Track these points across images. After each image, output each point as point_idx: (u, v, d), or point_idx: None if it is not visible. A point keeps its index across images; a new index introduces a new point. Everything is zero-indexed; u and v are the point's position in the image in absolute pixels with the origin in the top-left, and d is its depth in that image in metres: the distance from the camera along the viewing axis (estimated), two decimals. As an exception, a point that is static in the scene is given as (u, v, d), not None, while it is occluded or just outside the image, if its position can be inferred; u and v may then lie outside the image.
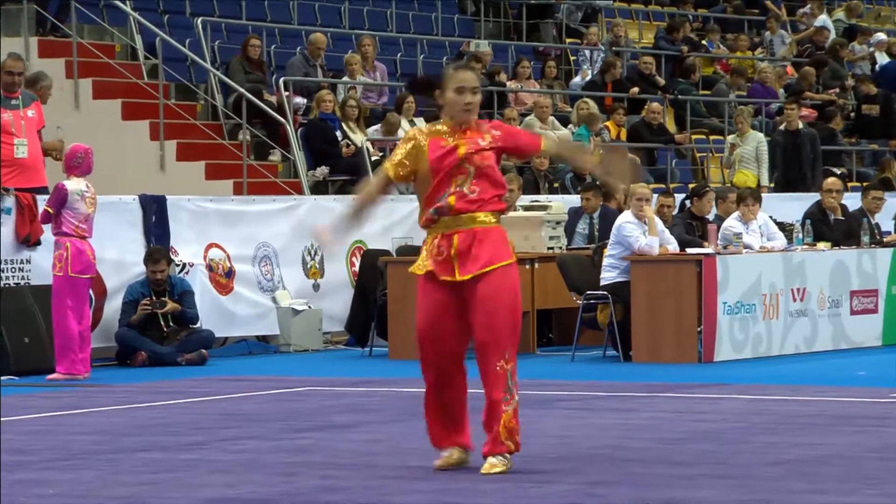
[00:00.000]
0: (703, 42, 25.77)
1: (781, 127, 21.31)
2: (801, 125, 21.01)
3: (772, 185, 20.63)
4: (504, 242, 7.99)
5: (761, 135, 21.11)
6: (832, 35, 27.31)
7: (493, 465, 7.89)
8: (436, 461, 8.08)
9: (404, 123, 19.35)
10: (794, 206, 18.58)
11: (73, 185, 13.43)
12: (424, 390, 8.11)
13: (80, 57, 18.54)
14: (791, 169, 20.57)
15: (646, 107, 22.24)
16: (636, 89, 22.73)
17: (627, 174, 8.38)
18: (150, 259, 14.69)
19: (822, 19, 27.81)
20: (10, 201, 14.09)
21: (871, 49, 27.47)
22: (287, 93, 18.63)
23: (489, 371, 7.87)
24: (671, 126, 23.05)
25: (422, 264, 8.01)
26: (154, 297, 14.59)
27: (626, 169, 8.31)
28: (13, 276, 14.22)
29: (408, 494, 7.54)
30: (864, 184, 19.73)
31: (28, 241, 14.27)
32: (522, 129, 8.21)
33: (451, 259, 7.92)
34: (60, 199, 13.36)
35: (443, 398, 8.03)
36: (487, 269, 7.89)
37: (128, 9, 19.20)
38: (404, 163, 8.01)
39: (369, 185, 8.31)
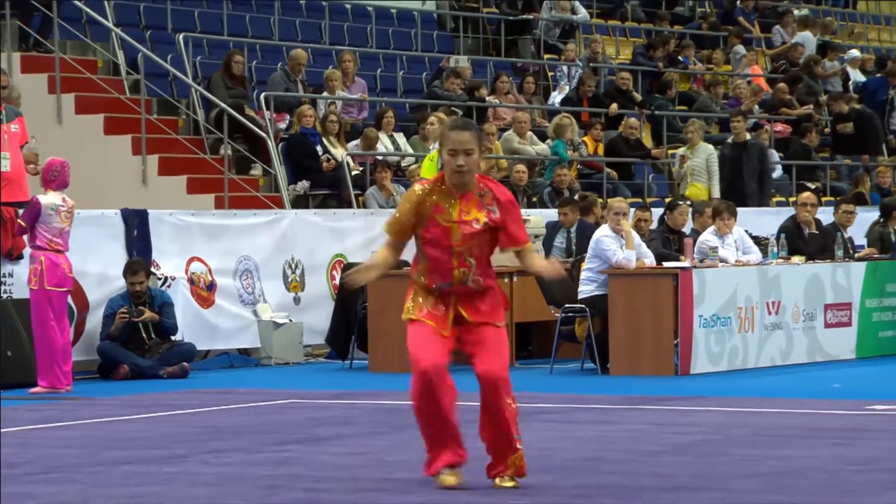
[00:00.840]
0: (679, 58, 25.84)
1: (728, 140, 21.28)
2: (748, 137, 20.97)
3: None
4: (500, 304, 7.86)
5: (711, 147, 21.02)
6: (805, 51, 27.38)
7: (505, 481, 7.82)
8: (442, 481, 7.88)
9: (383, 138, 19.34)
10: (770, 219, 18.63)
11: (48, 199, 13.38)
12: (419, 412, 7.83)
13: (62, 72, 18.48)
14: (735, 181, 20.50)
15: (623, 122, 22.28)
16: (615, 106, 22.78)
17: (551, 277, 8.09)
18: (128, 271, 14.66)
19: (802, 36, 27.89)
20: None
21: (843, 65, 27.55)
22: (269, 111, 18.61)
23: (503, 407, 7.75)
24: (648, 141, 23.09)
25: (415, 314, 7.78)
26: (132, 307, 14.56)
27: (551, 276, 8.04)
28: (-4, 290, 14.17)
29: (389, 507, 7.53)
30: (838, 198, 19.78)
31: (10, 254, 14.22)
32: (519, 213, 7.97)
33: (447, 317, 7.77)
34: (33, 214, 13.33)
35: (444, 419, 7.82)
36: (487, 322, 7.78)
37: (110, 24, 19.16)
38: (402, 222, 7.76)
39: (381, 256, 7.89)
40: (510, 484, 7.82)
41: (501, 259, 15.64)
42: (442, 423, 7.78)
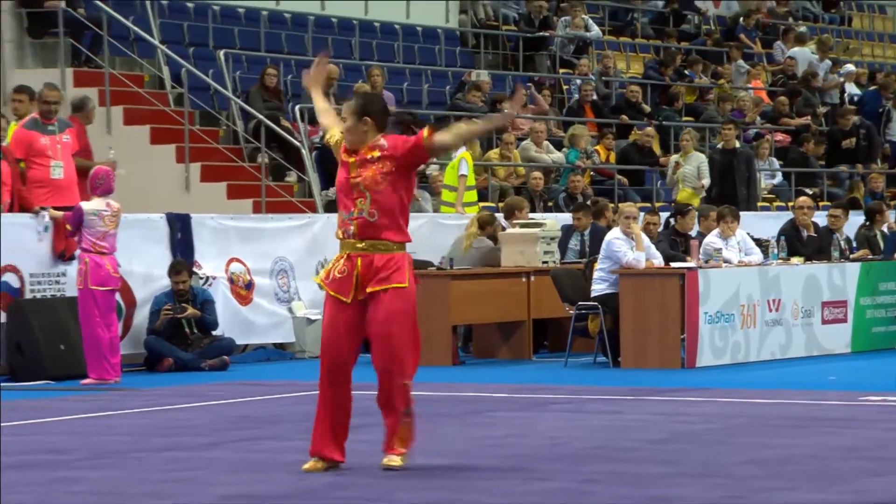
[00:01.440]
0: (686, 72, 25.79)
1: (719, 146, 21.15)
2: (737, 145, 20.86)
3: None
4: (402, 267, 7.89)
5: (703, 156, 20.86)
6: (800, 65, 27.29)
7: (392, 460, 7.94)
8: (305, 465, 8.05)
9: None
10: (771, 223, 18.58)
11: (92, 205, 13.41)
12: (319, 397, 8.04)
13: (111, 86, 18.53)
14: (725, 187, 20.37)
15: (636, 130, 22.26)
16: (625, 116, 22.75)
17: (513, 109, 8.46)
18: (172, 271, 14.69)
19: (796, 51, 27.79)
20: (46, 219, 14.08)
21: (841, 79, 27.46)
22: (304, 122, 18.62)
23: (393, 389, 7.92)
24: (657, 149, 23.04)
25: (323, 278, 7.97)
26: (176, 304, 14.58)
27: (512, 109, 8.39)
28: (50, 289, 14.22)
29: (411, 491, 7.51)
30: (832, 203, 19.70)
31: (63, 255, 14.27)
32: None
33: (351, 279, 7.88)
34: (77, 219, 13.35)
35: (331, 411, 8.01)
36: (378, 288, 7.85)
37: (156, 42, 19.21)
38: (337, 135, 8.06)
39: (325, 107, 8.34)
40: (397, 464, 7.91)
41: (518, 260, 15.70)
42: (336, 415, 8.00)
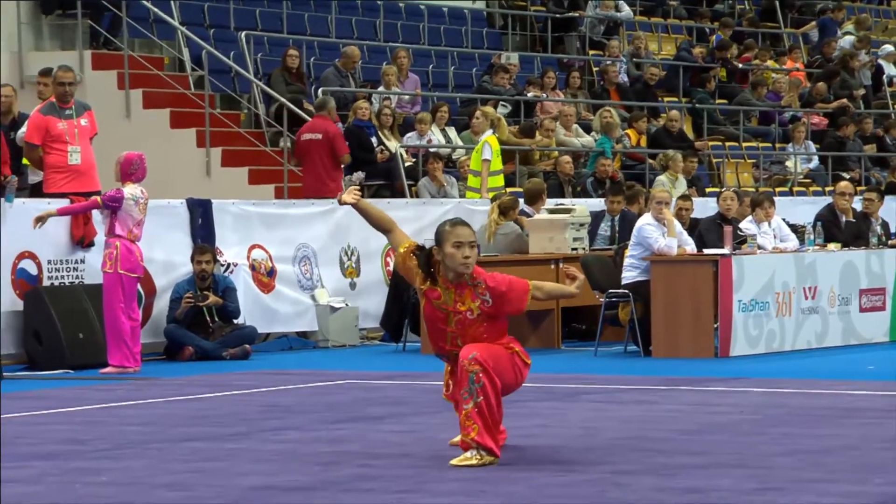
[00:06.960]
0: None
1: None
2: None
3: None
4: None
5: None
6: (838, 47, 27.17)
7: (466, 458, 7.88)
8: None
9: (435, 131, 19.31)
10: (807, 209, 18.52)
11: (130, 190, 13.43)
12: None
13: (130, 69, 18.58)
14: None
15: (664, 114, 22.17)
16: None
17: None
18: (197, 251, 14.73)
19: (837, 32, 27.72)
20: (12, 185, 13.93)
21: (877, 58, 27.32)
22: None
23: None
24: (689, 132, 22.97)
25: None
26: (198, 292, 14.61)
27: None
28: (68, 276, 14.26)
29: (440, 483, 7.52)
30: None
31: (82, 242, 14.31)
32: (511, 282, 7.91)
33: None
34: (116, 203, 13.30)
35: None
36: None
37: (176, 23, 19.24)
38: (412, 258, 7.88)
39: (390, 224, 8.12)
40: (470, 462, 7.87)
41: (547, 247, 15.68)
42: None
